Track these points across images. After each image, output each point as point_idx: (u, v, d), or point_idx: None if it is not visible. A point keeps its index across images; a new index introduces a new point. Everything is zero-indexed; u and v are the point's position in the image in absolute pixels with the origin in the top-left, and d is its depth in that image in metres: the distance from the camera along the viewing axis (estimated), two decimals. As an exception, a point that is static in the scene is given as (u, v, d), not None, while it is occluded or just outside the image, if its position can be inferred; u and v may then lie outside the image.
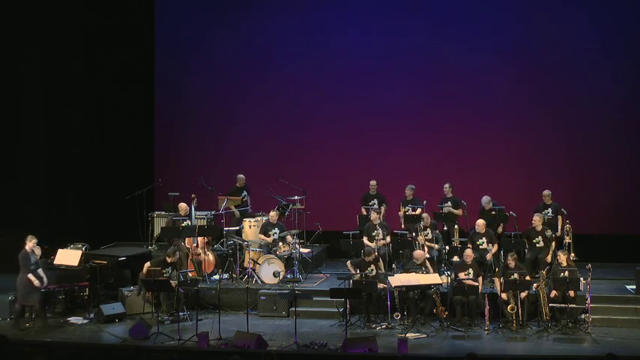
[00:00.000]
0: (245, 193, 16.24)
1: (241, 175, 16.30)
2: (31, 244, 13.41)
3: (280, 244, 15.08)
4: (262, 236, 15.23)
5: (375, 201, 15.91)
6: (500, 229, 15.04)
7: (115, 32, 17.98)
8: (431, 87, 17.38)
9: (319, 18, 17.78)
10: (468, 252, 13.70)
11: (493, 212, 15.16)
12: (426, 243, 14.64)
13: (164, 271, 13.84)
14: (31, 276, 13.31)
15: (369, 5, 17.59)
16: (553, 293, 13.12)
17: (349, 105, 17.63)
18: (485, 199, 15.35)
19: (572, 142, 16.99)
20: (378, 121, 17.50)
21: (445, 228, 15.23)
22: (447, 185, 15.70)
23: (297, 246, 14.86)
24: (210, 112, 18.19)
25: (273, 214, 15.31)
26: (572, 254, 14.07)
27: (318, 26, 17.77)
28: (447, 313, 13.21)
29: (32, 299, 13.37)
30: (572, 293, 13.05)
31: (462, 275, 13.53)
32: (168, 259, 13.95)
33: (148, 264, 14.05)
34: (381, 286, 13.55)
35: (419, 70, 17.44)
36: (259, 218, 15.77)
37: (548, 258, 14.22)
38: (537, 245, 14.42)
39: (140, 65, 18.20)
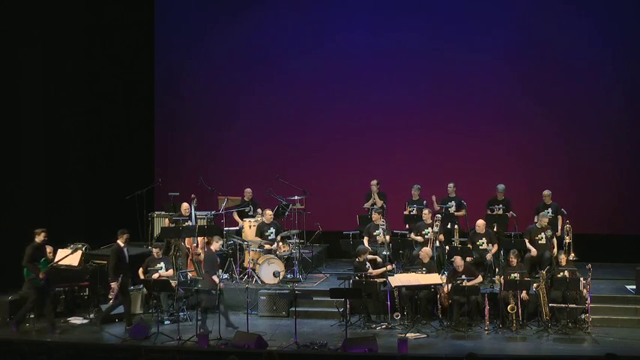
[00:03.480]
0: (251, 207, 16.16)
1: (248, 190, 16.20)
2: (217, 245, 13.45)
3: (280, 244, 15.07)
4: (258, 238, 15.20)
5: (377, 198, 15.90)
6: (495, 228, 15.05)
7: (115, 32, 17.98)
8: (431, 87, 17.39)
9: (320, 17, 17.79)
10: (458, 260, 13.56)
11: (492, 212, 15.18)
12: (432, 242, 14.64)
13: (157, 267, 13.88)
14: (215, 277, 13.25)
15: (370, 5, 17.59)
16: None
17: (349, 105, 17.63)
18: (501, 187, 15.41)
19: (572, 142, 17.00)
20: (378, 120, 17.50)
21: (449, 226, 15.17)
22: (451, 185, 15.69)
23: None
24: (210, 112, 18.20)
25: (268, 213, 15.27)
26: (572, 254, 14.07)
27: (319, 26, 17.78)
28: (449, 302, 13.19)
29: (212, 301, 13.18)
30: (575, 293, 13.07)
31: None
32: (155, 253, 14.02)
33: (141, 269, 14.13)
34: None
35: (419, 70, 17.44)
36: (259, 218, 15.75)
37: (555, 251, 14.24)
38: (540, 242, 14.42)
39: (140, 65, 18.20)
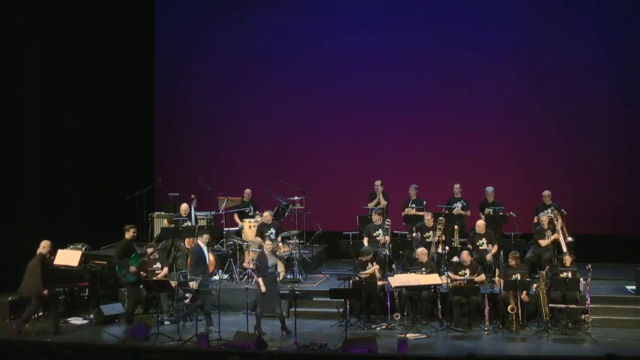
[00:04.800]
0: (251, 208, 16.16)
1: (248, 190, 16.19)
2: (267, 246, 13.33)
3: (280, 244, 15.07)
4: (259, 238, 15.21)
5: (382, 198, 15.90)
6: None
7: (115, 33, 17.96)
8: (430, 87, 17.38)
9: (319, 17, 17.79)
10: (465, 255, 13.66)
11: (492, 213, 15.18)
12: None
13: (154, 267, 13.90)
14: (260, 280, 13.08)
15: (370, 4, 17.58)
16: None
17: (349, 105, 17.63)
18: (490, 189, 15.39)
19: (572, 142, 17.00)
20: (378, 120, 17.51)
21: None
22: (457, 186, 15.69)
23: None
24: (210, 112, 18.20)
25: (267, 214, 15.28)
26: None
27: (318, 25, 17.78)
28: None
29: (271, 304, 13.04)
30: (575, 294, 13.07)
31: (455, 276, 13.52)
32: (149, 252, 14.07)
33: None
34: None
35: (419, 70, 17.44)
36: (259, 218, 15.74)
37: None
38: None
39: (140, 65, 18.19)
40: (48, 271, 13.34)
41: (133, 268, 13.31)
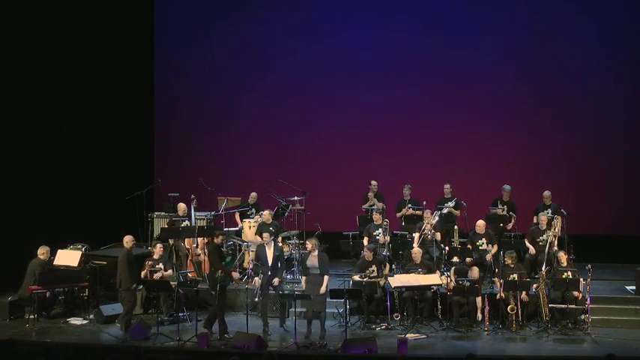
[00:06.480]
0: (253, 210, 16.14)
1: (254, 193, 16.13)
2: (310, 245, 13.27)
3: (280, 244, 15.05)
4: (259, 237, 15.20)
5: (375, 200, 15.90)
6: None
7: (114, 32, 17.96)
8: (431, 87, 17.37)
9: (319, 17, 17.78)
10: (475, 272, 13.57)
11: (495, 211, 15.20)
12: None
13: (156, 267, 13.88)
14: (302, 280, 13.21)
15: (369, 5, 17.58)
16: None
17: (349, 105, 17.62)
18: (507, 187, 15.41)
19: (572, 142, 17.00)
20: (378, 121, 17.50)
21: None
22: (447, 186, 15.69)
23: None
24: (210, 113, 18.19)
25: (266, 214, 15.26)
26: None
27: (318, 26, 17.77)
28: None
29: (315, 305, 12.88)
30: (575, 293, 13.06)
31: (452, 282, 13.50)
32: (154, 252, 14.05)
33: (149, 263, 14.11)
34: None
35: (419, 70, 17.43)
36: (258, 218, 15.73)
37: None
38: (540, 244, 14.39)
39: (140, 65, 18.19)
40: (134, 266, 13.39)
41: (235, 274, 13.49)
